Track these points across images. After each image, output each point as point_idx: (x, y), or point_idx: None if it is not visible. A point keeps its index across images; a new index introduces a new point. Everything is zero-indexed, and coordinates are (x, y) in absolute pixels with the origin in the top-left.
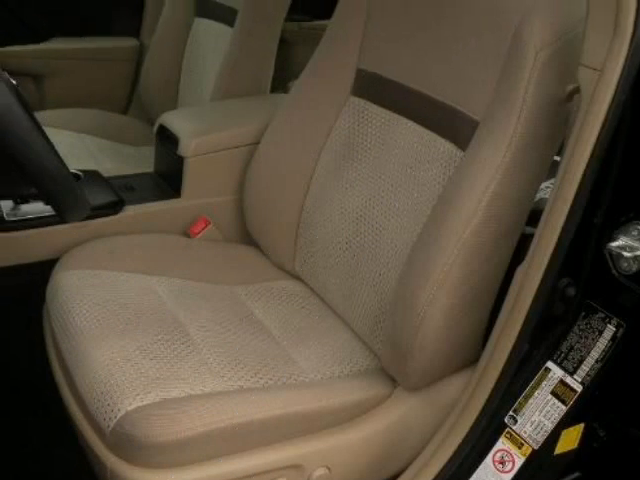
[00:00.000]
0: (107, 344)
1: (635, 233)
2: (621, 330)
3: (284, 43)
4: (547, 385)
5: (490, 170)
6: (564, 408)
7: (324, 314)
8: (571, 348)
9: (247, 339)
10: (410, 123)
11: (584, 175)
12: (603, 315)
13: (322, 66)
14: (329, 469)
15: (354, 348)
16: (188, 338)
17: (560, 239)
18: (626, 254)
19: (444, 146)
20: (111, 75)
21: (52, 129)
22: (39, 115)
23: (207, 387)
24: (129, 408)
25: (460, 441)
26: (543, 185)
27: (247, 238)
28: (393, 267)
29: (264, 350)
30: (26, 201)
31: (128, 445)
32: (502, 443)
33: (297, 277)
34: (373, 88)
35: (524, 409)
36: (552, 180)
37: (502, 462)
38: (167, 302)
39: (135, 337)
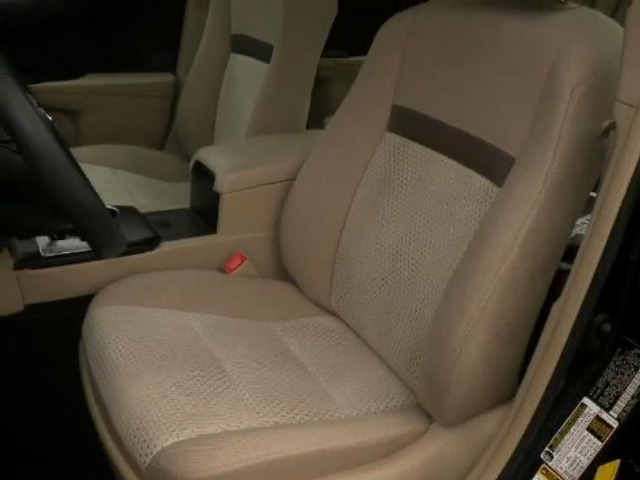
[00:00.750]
0: (143, 380)
1: None
2: None
3: (320, 79)
4: (583, 421)
5: (526, 206)
6: (600, 444)
7: (360, 350)
8: (607, 384)
9: (283, 375)
10: (446, 159)
11: (620, 211)
12: (639, 351)
13: (358, 102)
14: None
15: (390, 384)
16: (224, 374)
17: (596, 275)
18: None
19: (480, 182)
20: (147, 111)
21: (88, 165)
22: (75, 151)
23: (243, 423)
24: (165, 444)
25: (496, 477)
26: (579, 221)
27: (283, 274)
28: (429, 303)
29: (300, 386)
30: (62, 237)
31: None
32: (538, 479)
33: (333, 313)
34: (409, 124)
35: (560, 445)
36: (588, 216)
37: None
38: (203, 338)
39: (171, 373)
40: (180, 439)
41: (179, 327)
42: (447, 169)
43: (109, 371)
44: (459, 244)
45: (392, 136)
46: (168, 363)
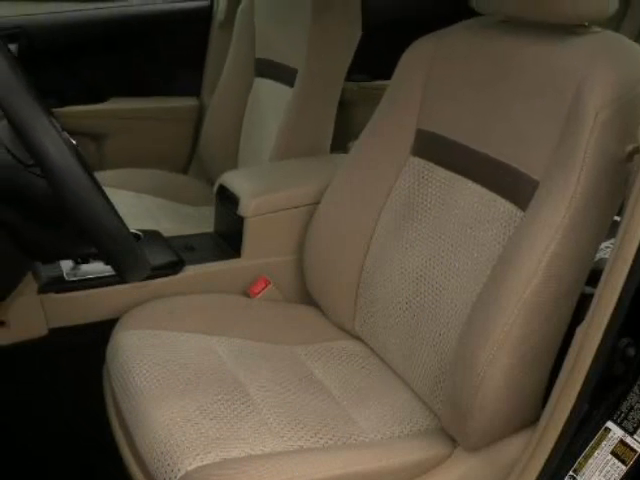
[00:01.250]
0: (167, 404)
1: None
2: None
3: (344, 103)
4: (607, 445)
5: (550, 230)
6: (624, 468)
7: (384, 374)
8: (631, 408)
9: (307, 399)
10: (470, 183)
11: None
12: None
13: (382, 126)
14: None
15: (414, 408)
16: (248, 398)
17: (620, 299)
18: None
19: (504, 206)
20: (171, 134)
21: (112, 189)
22: (99, 175)
23: (267, 447)
24: (189, 468)
25: None
26: (603, 245)
27: (307, 298)
28: (453, 327)
29: (324, 410)
30: (86, 261)
31: None
32: None
33: (357, 337)
34: (433, 148)
35: (584, 469)
36: (612, 240)
37: None
38: (227, 362)
39: (195, 397)
40: (204, 463)
41: (203, 351)
42: (471, 193)
43: (133, 395)
44: (483, 268)
45: (416, 160)
46: (192, 387)
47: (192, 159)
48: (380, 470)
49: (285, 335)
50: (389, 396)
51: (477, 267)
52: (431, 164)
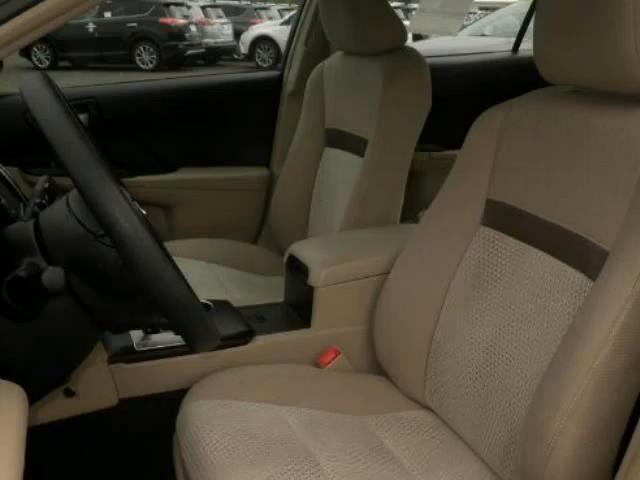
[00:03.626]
0: (237, 474)
1: None
2: None
3: (414, 173)
4: None
5: (620, 300)
6: None
7: (453, 444)
8: None
9: (377, 469)
10: (540, 253)
11: None
12: None
13: (452, 196)
14: None
15: (484, 478)
16: (318, 468)
17: None
18: None
19: (574, 276)
20: (241, 205)
21: (182, 259)
22: (169, 245)
23: None
24: None
25: None
26: None
27: (377, 368)
28: (523, 397)
29: None
30: (156, 331)
31: None
32: None
33: (427, 407)
34: (503, 218)
35: None
36: None
37: None
38: (297, 432)
39: (265, 467)
40: None
41: (273, 421)
42: (541, 263)
43: (203, 465)
44: (553, 338)
45: (486, 230)
46: (262, 457)
47: (262, 229)
48: None
49: (355, 405)
50: (459, 466)
51: (547, 337)
52: (501, 234)
